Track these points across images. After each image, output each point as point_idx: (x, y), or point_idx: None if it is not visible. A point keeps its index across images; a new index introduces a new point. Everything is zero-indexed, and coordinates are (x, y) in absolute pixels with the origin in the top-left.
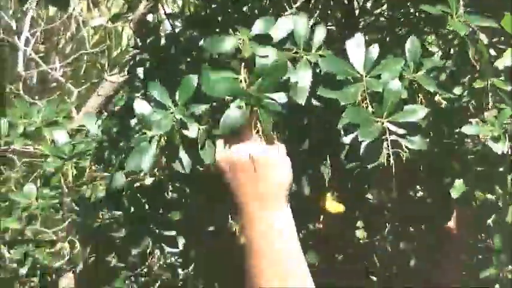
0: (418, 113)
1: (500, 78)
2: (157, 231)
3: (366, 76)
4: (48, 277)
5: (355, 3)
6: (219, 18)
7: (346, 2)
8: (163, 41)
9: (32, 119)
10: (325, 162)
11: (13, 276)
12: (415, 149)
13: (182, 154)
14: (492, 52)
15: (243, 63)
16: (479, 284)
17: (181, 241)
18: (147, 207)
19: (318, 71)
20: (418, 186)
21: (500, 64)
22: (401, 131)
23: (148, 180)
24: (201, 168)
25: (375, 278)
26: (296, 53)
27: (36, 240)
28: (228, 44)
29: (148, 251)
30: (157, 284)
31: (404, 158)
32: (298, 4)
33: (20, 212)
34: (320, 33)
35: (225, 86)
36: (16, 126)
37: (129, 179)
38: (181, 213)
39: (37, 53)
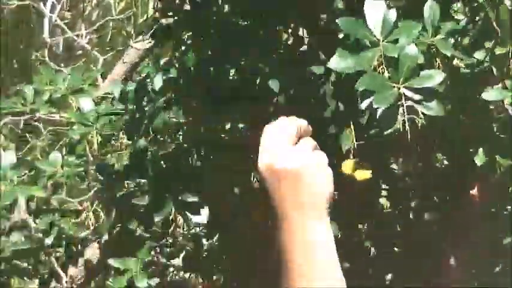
0: (435, 78)
1: None
2: (180, 197)
3: (382, 41)
4: (73, 247)
5: None
6: None
7: None
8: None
9: (57, 86)
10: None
11: (39, 246)
12: (432, 115)
13: None
14: None
15: None
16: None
17: (205, 210)
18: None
19: None
20: (441, 155)
21: None
22: (417, 97)
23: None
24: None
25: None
26: None
27: (61, 209)
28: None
29: (171, 217)
30: (181, 255)
31: (424, 125)
32: None
33: (45, 180)
34: None
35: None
36: (42, 93)
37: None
38: (205, 182)
39: (63, 20)
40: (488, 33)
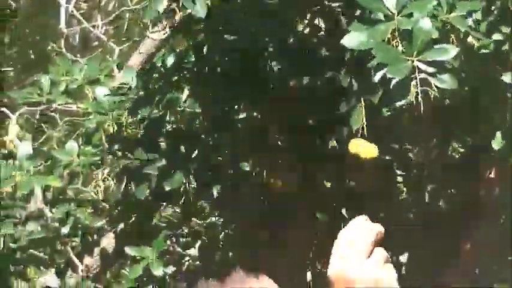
0: (449, 52)
1: None
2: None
3: (397, 15)
4: (89, 237)
5: None
6: None
7: None
8: None
9: (73, 76)
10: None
11: (55, 236)
12: (445, 88)
13: None
14: None
15: None
16: None
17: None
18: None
19: None
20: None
21: None
22: (431, 70)
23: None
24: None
25: None
26: None
27: (77, 199)
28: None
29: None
30: (197, 245)
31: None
32: None
33: (61, 170)
34: None
35: None
36: (58, 83)
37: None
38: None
39: (79, 11)
40: (505, 18)
